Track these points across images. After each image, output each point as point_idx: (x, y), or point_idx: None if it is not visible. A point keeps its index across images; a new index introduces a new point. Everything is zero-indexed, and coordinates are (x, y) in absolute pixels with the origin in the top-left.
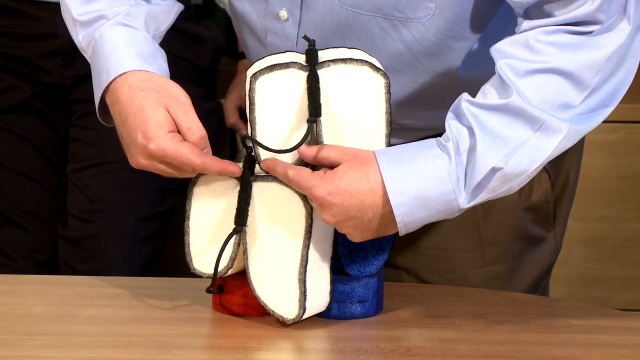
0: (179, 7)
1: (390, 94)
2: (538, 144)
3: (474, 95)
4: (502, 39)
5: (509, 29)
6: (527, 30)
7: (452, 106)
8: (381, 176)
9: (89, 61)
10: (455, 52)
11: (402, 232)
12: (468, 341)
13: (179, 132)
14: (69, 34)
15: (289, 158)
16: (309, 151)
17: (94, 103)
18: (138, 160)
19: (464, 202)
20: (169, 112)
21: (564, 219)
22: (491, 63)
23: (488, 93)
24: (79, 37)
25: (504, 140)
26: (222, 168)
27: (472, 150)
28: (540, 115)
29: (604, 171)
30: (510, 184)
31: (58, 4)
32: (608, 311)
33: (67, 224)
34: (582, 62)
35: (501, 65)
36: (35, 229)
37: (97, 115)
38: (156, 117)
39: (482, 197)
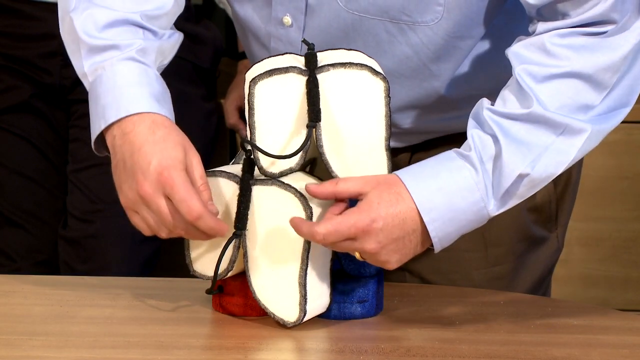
0: (180, 37)
1: (389, 97)
2: (562, 147)
3: (480, 96)
4: (505, 35)
5: (511, 25)
6: (542, 33)
7: (472, 114)
8: (410, 194)
9: (87, 87)
10: (461, 51)
11: (437, 248)
12: (468, 341)
13: None
14: None
15: (289, 163)
16: (324, 189)
17: None
18: (142, 187)
19: (494, 209)
20: (187, 154)
21: (565, 219)
22: (495, 60)
23: (508, 100)
24: (84, 61)
25: (528, 146)
26: (215, 224)
27: (497, 157)
28: (562, 120)
29: (604, 171)
30: (538, 188)
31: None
32: (608, 311)
33: (67, 224)
34: (599, 64)
35: (519, 72)
36: (35, 229)
37: (92, 144)
38: (177, 152)
39: (512, 203)
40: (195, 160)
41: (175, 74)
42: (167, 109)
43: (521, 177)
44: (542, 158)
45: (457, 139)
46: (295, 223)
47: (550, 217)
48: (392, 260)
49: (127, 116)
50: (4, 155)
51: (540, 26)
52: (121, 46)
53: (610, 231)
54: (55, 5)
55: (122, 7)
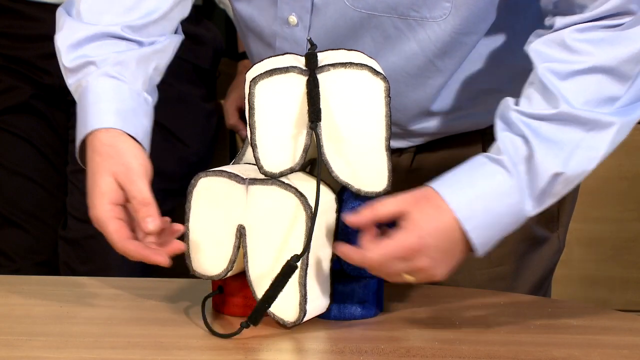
0: (178, 40)
1: (390, 97)
2: (592, 143)
3: (482, 92)
4: (504, 29)
5: (511, 18)
6: (560, 29)
7: (499, 115)
8: (449, 205)
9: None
10: (466, 46)
11: (480, 253)
12: (468, 342)
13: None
14: None
15: (289, 163)
16: (363, 217)
17: None
18: (90, 215)
19: (531, 209)
20: (117, 180)
21: (567, 219)
22: (494, 53)
23: (533, 100)
24: (68, 81)
25: (559, 145)
26: (143, 256)
27: (529, 158)
28: (591, 116)
29: (605, 172)
30: (573, 185)
31: (58, 5)
32: (608, 312)
33: (66, 224)
34: (621, 57)
35: (542, 71)
36: (35, 229)
37: (77, 157)
38: (101, 185)
39: (549, 202)
40: (128, 179)
41: (175, 75)
42: (132, 125)
43: (556, 176)
44: (574, 155)
45: (460, 139)
46: (344, 252)
47: (551, 218)
48: (443, 273)
49: (92, 132)
50: (4, 156)
51: (559, 21)
52: (97, 62)
53: (610, 231)
54: (55, 6)
55: (103, 21)
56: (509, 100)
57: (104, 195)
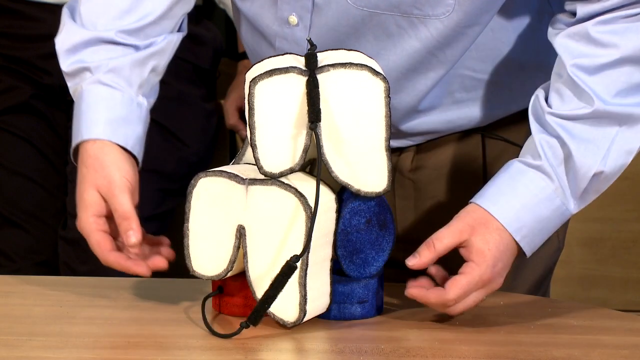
0: (178, 38)
1: (389, 97)
2: (627, 136)
3: (481, 82)
4: (508, 19)
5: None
6: (583, 19)
7: (532, 113)
8: (499, 222)
9: None
10: (468, 37)
11: (529, 254)
12: (468, 342)
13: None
14: None
15: (289, 163)
16: (424, 258)
17: None
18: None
19: (575, 207)
20: (100, 193)
21: None
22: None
23: (565, 97)
24: (68, 84)
25: (595, 143)
26: (124, 267)
27: (567, 159)
28: (624, 111)
29: None
30: (612, 181)
31: (58, 5)
32: (608, 312)
33: (66, 224)
34: None
35: (571, 69)
36: (35, 229)
37: (73, 161)
38: (86, 198)
39: (591, 198)
40: (110, 193)
41: (175, 75)
42: (122, 134)
43: (596, 175)
44: (611, 152)
45: (460, 137)
46: (420, 295)
47: None
48: (502, 281)
49: (81, 142)
50: (4, 156)
51: (580, 8)
52: (92, 68)
53: (610, 232)
54: (55, 6)
55: (99, 25)
56: (541, 98)
57: (87, 207)
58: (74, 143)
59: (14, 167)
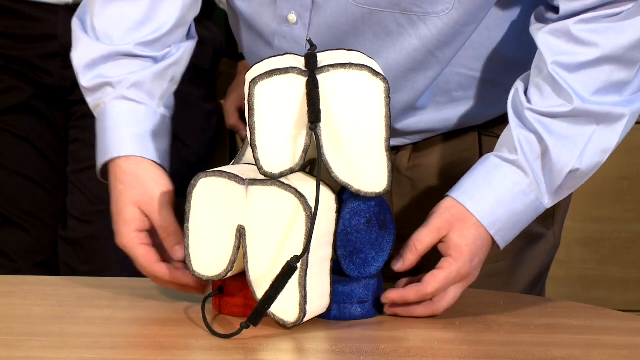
0: (191, 45)
1: (389, 98)
2: (604, 134)
3: (474, 80)
4: (503, 17)
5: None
6: (565, 16)
7: (511, 107)
8: (474, 216)
9: None
10: (464, 35)
11: (502, 247)
12: (468, 342)
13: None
14: (69, 35)
15: (289, 164)
16: (408, 262)
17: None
18: (119, 242)
19: (549, 202)
20: (141, 209)
21: (562, 215)
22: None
23: (545, 94)
24: (87, 98)
25: (572, 140)
26: (174, 278)
27: (544, 155)
28: (602, 110)
29: (604, 172)
30: (587, 178)
31: (58, 6)
32: (608, 312)
33: (67, 224)
34: (627, 45)
35: (552, 67)
36: (35, 229)
37: (98, 175)
38: (125, 214)
39: (565, 194)
40: (152, 209)
41: None
42: (152, 149)
43: (572, 172)
44: (588, 150)
45: (457, 135)
46: (399, 295)
47: (547, 215)
48: (478, 274)
49: (112, 159)
50: (4, 156)
51: (563, 6)
52: (114, 83)
53: (610, 232)
54: (55, 6)
55: (115, 38)
56: (520, 91)
57: (128, 223)
58: (102, 160)
59: (13, 167)
